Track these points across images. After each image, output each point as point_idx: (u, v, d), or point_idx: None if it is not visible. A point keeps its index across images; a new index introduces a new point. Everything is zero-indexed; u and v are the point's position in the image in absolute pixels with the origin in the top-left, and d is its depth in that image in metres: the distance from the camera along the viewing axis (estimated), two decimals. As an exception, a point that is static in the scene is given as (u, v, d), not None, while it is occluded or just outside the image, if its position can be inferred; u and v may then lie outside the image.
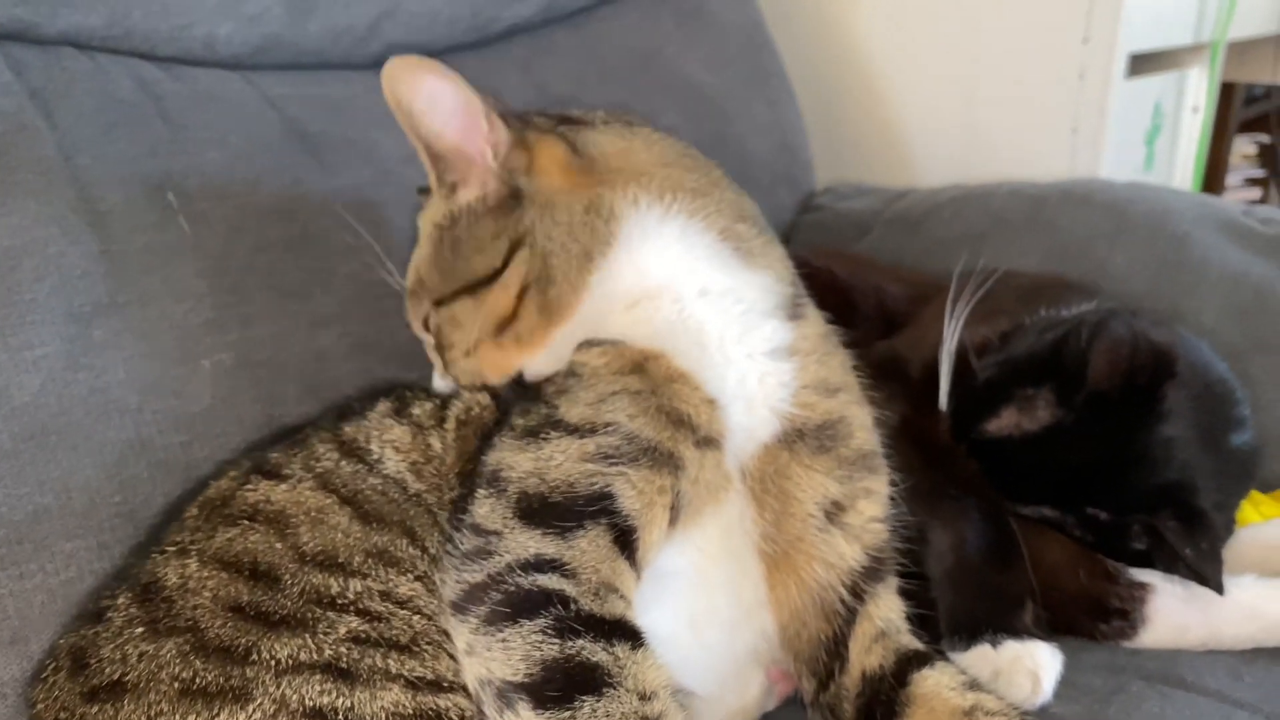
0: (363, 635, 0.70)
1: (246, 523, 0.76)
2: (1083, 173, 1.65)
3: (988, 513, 0.95)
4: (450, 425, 0.85)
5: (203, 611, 0.70)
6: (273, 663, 0.67)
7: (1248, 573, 0.94)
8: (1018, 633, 0.87)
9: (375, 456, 0.83)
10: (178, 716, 0.65)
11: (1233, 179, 2.44)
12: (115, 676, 0.68)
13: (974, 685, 0.79)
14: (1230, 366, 1.02)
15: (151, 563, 0.76)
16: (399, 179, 1.10)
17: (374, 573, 0.74)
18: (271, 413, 0.97)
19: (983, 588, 0.91)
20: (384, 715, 0.66)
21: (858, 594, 0.83)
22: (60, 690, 0.71)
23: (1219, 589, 0.88)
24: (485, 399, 0.87)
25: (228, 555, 0.74)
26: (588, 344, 0.83)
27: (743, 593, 0.82)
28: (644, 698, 0.66)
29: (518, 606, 0.68)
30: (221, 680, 0.66)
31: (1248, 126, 2.45)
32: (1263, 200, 2.54)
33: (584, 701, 0.64)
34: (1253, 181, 2.52)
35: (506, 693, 0.66)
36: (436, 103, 0.83)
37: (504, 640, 0.67)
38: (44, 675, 0.73)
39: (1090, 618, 0.94)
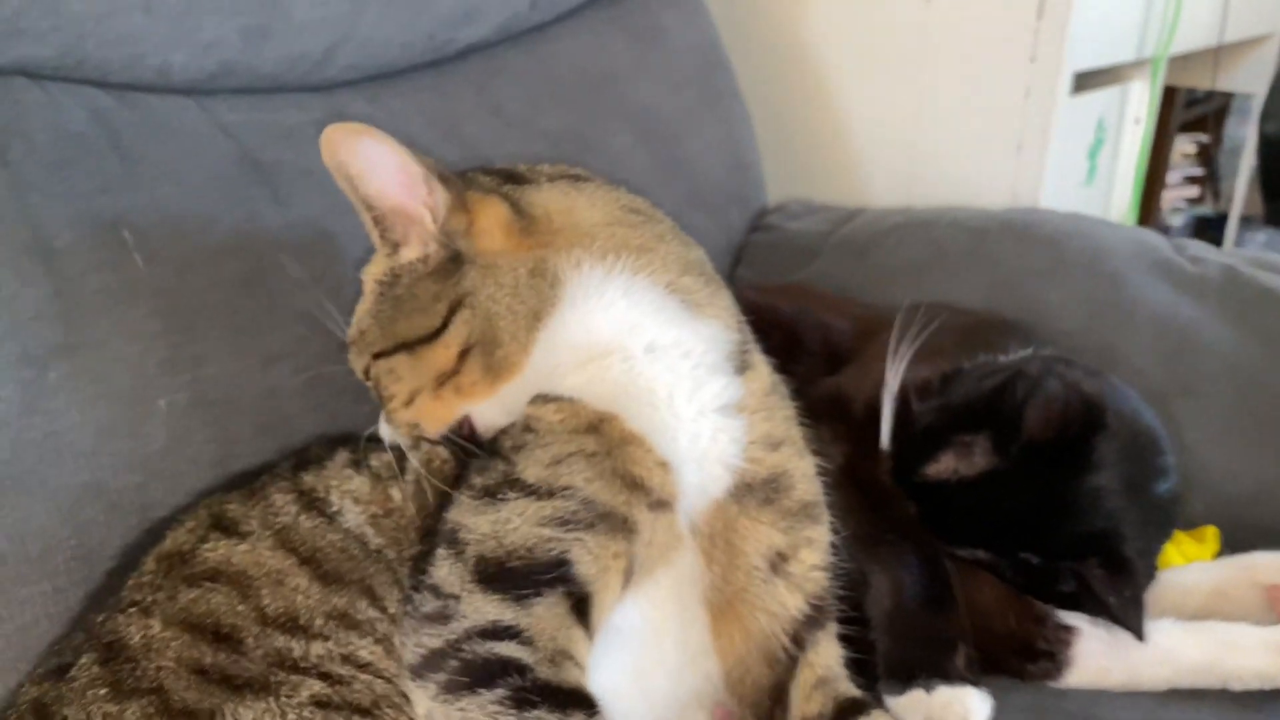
0: (325, 699, 0.71)
1: (208, 584, 0.77)
2: (1026, 188, 1.68)
3: (925, 556, 0.98)
4: (410, 476, 0.86)
5: (167, 673, 0.72)
6: None
7: (1166, 615, 0.99)
8: (950, 677, 0.90)
9: (335, 509, 0.84)
10: (144, 781, 0.66)
11: (1173, 177, 2.51)
12: (80, 739, 0.69)
13: (907, 734, 0.83)
14: (1156, 409, 1.06)
15: (113, 621, 0.76)
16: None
17: (335, 635, 0.75)
18: (226, 451, 0.97)
19: (918, 632, 0.94)
20: (347, 779, 0.68)
21: (799, 642, 0.86)
22: (23, 750, 0.71)
23: (1140, 635, 0.93)
24: (445, 451, 0.88)
25: (191, 616, 0.75)
26: (542, 398, 0.84)
27: (689, 641, 0.84)
28: None
29: (476, 676, 0.70)
30: (187, 745, 0.67)
31: (1188, 127, 2.52)
32: (1200, 198, 2.63)
33: None
34: (1191, 180, 2.60)
35: None
36: (375, 166, 0.83)
37: (463, 710, 0.69)
38: (5, 729, 0.74)
39: (1019, 658, 0.98)
